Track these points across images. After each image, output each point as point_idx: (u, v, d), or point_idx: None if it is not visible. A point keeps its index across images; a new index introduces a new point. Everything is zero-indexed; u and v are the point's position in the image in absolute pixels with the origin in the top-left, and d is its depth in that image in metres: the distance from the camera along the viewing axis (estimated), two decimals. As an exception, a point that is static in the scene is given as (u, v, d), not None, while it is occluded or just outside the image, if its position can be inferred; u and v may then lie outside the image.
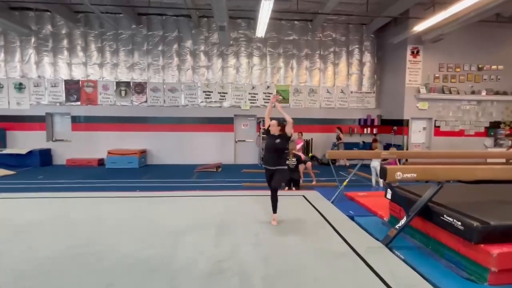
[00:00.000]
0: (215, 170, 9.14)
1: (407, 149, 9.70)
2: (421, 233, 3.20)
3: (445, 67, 9.67)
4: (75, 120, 10.05)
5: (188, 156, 10.29)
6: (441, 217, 2.78)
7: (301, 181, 7.05)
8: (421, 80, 9.61)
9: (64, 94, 9.91)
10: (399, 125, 9.88)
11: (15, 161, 9.28)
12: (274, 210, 3.76)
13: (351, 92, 10.96)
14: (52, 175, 8.18)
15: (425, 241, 3.14)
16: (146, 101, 10.20)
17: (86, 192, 5.73)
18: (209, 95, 10.40)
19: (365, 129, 10.96)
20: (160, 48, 10.10)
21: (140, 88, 10.14)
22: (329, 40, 10.73)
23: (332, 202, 5.04)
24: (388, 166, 3.29)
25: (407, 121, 9.69)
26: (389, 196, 3.99)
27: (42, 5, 8.76)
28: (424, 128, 10.06)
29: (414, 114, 9.73)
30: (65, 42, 9.80)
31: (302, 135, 9.15)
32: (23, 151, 9.23)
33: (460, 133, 9.88)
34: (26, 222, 3.66)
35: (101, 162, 9.76)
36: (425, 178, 3.07)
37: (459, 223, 2.54)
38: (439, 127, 9.84)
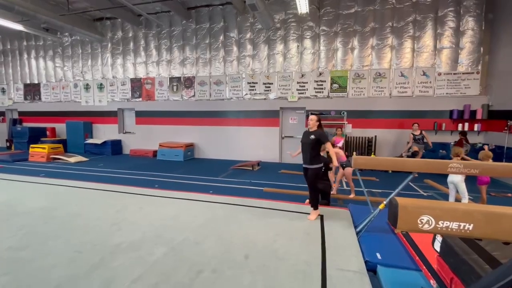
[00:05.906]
0: (251, 168, 8.33)
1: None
2: None
3: None
4: (138, 114, 11.12)
5: (231, 151, 9.88)
6: None
7: (334, 190, 5.49)
8: None
9: (130, 92, 11.09)
10: (519, 119, 6.54)
11: (96, 149, 11.06)
12: (313, 206, 3.84)
13: (439, 74, 7.99)
14: (111, 163, 9.20)
15: None
16: (194, 95, 10.28)
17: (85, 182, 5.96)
18: (254, 86, 9.58)
19: (459, 125, 7.84)
20: (207, 41, 9.92)
21: (189, 82, 10.29)
22: (406, 6, 8.09)
23: (358, 233, 3.52)
24: (400, 200, 1.77)
25: (534, 112, 6.28)
26: (437, 246, 2.33)
27: (113, 13, 9.88)
28: None
29: (550, 102, 6.22)
30: (131, 45, 10.88)
31: (341, 131, 7.25)
32: (99, 141, 10.86)
33: None
34: None
35: (155, 153, 10.46)
36: (498, 237, 1.39)
37: None
38: None
